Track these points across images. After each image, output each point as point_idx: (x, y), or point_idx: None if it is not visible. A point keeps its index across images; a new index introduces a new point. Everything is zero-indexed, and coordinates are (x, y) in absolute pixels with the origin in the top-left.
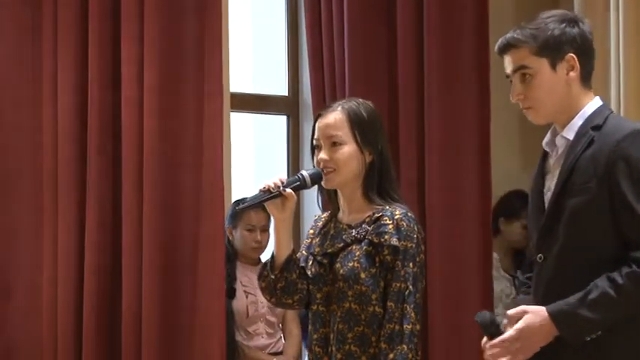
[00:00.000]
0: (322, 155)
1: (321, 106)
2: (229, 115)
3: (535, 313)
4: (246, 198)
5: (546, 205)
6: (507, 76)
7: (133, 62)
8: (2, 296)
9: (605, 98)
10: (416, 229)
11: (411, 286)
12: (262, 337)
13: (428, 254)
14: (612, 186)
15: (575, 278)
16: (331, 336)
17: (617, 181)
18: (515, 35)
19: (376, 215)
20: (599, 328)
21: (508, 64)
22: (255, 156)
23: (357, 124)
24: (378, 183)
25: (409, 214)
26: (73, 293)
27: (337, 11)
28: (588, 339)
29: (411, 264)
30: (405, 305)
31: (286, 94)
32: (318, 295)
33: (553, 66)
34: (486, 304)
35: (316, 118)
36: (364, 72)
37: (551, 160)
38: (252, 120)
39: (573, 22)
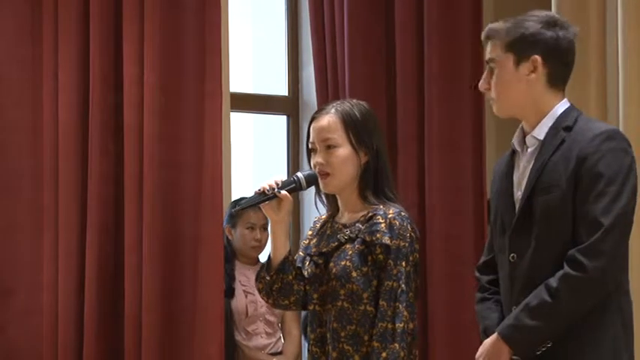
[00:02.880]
0: (318, 159)
1: None
2: (229, 115)
3: (490, 338)
4: (243, 199)
5: (517, 204)
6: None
7: (134, 62)
8: (2, 296)
9: (603, 96)
10: (409, 228)
11: (403, 285)
12: (261, 337)
13: (428, 254)
14: (578, 183)
15: (551, 275)
16: (327, 335)
17: (582, 179)
18: (495, 26)
19: (370, 214)
20: (545, 337)
21: (485, 53)
22: (255, 156)
23: (351, 125)
24: (374, 182)
25: (403, 213)
26: (74, 293)
27: (339, 11)
28: (539, 353)
29: (403, 263)
30: (398, 304)
31: (286, 94)
32: (315, 295)
33: (517, 63)
34: None
35: (310, 121)
36: (364, 72)
37: (521, 159)
38: (252, 120)
39: (552, 25)
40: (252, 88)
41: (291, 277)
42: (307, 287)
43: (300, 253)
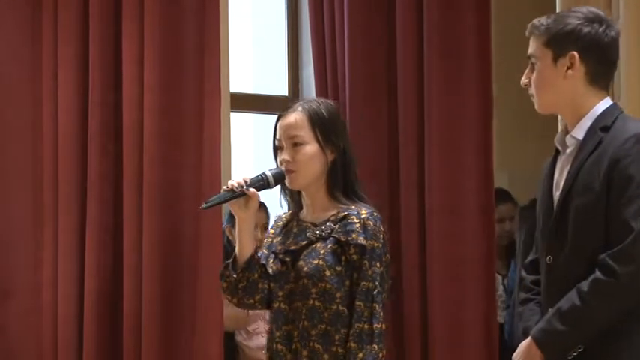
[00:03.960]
0: (284, 156)
1: None
2: (229, 115)
3: (525, 340)
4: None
5: (555, 205)
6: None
7: (134, 62)
8: (2, 296)
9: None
10: (382, 229)
11: (378, 286)
12: (262, 336)
13: (428, 254)
14: (610, 186)
15: (583, 279)
16: (295, 333)
17: (614, 182)
18: (536, 22)
19: (342, 214)
20: (575, 342)
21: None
22: (255, 156)
23: (317, 123)
24: (342, 182)
25: (375, 213)
26: (74, 293)
27: (339, 11)
28: (570, 357)
29: (377, 263)
30: (374, 304)
31: (286, 94)
32: (280, 293)
33: (554, 60)
34: (490, 305)
35: (277, 118)
36: (364, 72)
37: (561, 159)
38: (252, 120)
39: (593, 21)
40: (252, 88)
41: (256, 275)
42: (271, 285)
43: (264, 250)
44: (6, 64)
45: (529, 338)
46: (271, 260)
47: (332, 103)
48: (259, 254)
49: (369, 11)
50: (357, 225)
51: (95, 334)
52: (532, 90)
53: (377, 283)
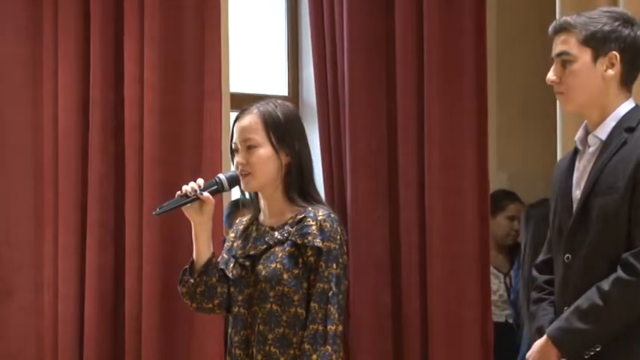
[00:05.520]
0: (238, 158)
1: (325, 108)
2: (229, 115)
3: (540, 339)
4: (164, 204)
5: (574, 204)
6: (553, 57)
7: (134, 61)
8: (2, 296)
9: None
10: (339, 230)
11: (334, 287)
12: None
13: (428, 254)
14: (635, 186)
15: (603, 279)
16: (252, 338)
17: (639, 184)
18: (570, 20)
19: (299, 217)
20: (595, 341)
21: (555, 46)
22: None
23: (272, 126)
24: (299, 184)
25: (332, 215)
26: (74, 293)
27: (339, 11)
28: (587, 357)
29: (334, 265)
30: (329, 306)
31: (286, 94)
32: (240, 298)
33: (594, 58)
34: (486, 301)
35: (235, 120)
36: (364, 72)
37: (582, 158)
38: None
39: (629, 23)
40: (252, 88)
41: (214, 280)
42: (231, 289)
43: (224, 255)
44: (6, 64)
45: (544, 337)
46: (231, 265)
47: (289, 106)
48: (220, 259)
49: (369, 11)
50: (314, 227)
51: (95, 334)
52: (562, 88)
53: (332, 284)
